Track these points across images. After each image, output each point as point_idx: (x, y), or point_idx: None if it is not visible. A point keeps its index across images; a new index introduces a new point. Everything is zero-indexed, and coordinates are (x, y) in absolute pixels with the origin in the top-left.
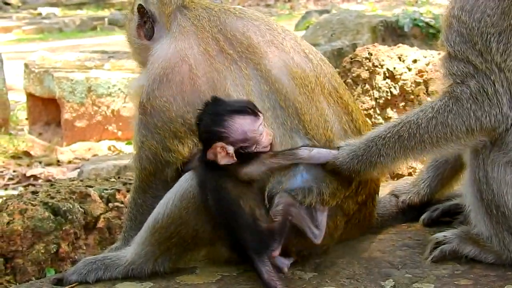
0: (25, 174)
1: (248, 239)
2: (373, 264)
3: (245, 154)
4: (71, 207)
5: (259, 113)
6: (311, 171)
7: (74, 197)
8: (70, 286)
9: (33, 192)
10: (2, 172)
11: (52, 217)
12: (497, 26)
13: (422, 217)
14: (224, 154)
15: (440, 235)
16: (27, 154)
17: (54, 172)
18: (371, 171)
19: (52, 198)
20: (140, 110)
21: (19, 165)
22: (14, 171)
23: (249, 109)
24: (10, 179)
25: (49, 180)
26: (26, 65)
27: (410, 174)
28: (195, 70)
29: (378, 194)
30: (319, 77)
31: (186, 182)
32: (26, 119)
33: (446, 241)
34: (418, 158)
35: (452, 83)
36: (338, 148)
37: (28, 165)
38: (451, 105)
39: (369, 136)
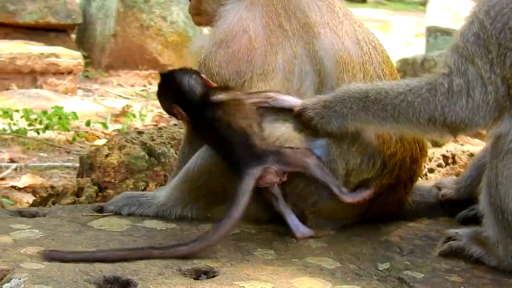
0: None
1: (240, 154)
2: (383, 247)
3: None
4: (166, 151)
5: None
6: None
7: (173, 143)
8: (105, 214)
9: (139, 132)
10: None
11: (146, 157)
12: None
13: (459, 214)
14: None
15: (452, 231)
16: None
17: None
18: (332, 120)
19: (153, 140)
20: (197, 68)
21: None
22: None
23: None
24: None
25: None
26: None
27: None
28: (254, 42)
29: (413, 182)
30: (365, 64)
31: None
32: None
33: (456, 238)
34: (378, 126)
35: (439, 71)
36: None
37: None
38: (424, 90)
39: (342, 88)
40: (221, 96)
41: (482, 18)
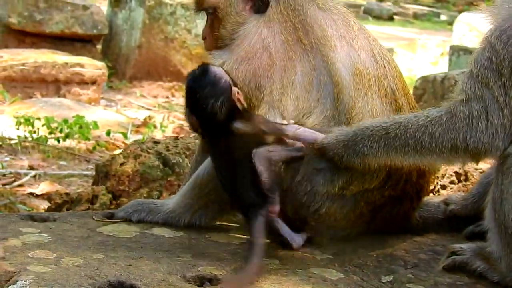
0: None
1: (247, 190)
2: (388, 259)
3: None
4: (180, 161)
5: None
6: None
7: (187, 153)
8: (114, 221)
9: (155, 142)
10: None
11: (161, 166)
12: None
13: (466, 229)
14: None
15: (456, 246)
16: None
17: None
18: (353, 159)
19: (168, 150)
20: None
21: None
22: None
23: None
24: None
25: None
26: None
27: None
28: (274, 58)
29: (420, 197)
30: (380, 77)
31: None
32: None
33: (460, 253)
34: (401, 160)
35: (457, 98)
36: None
37: None
38: (444, 120)
39: (360, 125)
40: (241, 126)
41: (494, 43)
